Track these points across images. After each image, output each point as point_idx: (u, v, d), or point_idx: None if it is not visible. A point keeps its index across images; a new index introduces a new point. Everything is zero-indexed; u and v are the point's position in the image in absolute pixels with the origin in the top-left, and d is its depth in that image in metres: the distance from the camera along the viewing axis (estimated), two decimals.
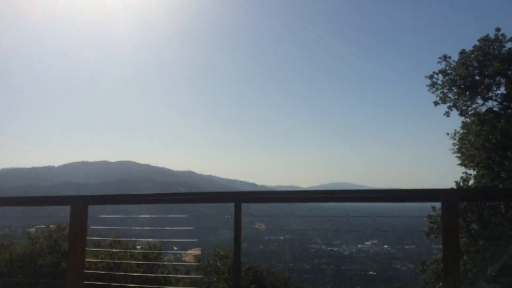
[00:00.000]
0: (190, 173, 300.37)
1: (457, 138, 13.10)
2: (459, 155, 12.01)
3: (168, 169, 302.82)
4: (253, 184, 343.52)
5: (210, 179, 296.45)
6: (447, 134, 13.28)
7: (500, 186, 11.22)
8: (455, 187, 11.65)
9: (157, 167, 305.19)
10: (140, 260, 14.72)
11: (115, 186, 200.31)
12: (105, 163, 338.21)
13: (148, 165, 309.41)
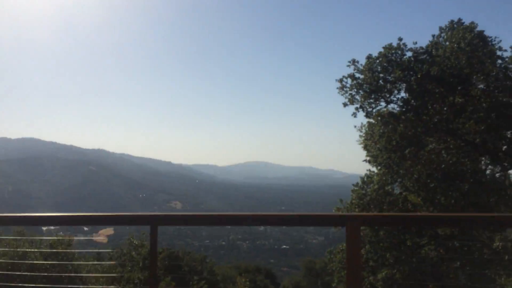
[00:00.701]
0: (100, 151, 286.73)
1: (363, 131, 14.19)
2: (365, 152, 13.12)
3: (76, 147, 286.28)
4: (169, 163, 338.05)
5: (122, 157, 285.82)
6: (355, 126, 14.32)
7: (399, 181, 12.48)
8: (360, 183, 12.75)
9: (64, 144, 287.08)
10: (48, 251, 13.90)
11: (17, 164, 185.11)
12: (5, 139, 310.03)
13: (54, 142, 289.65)
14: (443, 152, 12.42)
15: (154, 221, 3.62)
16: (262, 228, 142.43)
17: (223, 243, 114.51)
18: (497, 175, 12.04)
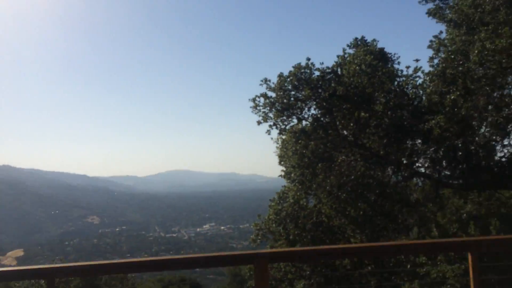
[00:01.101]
0: (6, 167, 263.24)
1: (279, 143, 14.58)
2: (281, 168, 13.56)
3: None
4: (84, 176, 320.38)
5: (31, 173, 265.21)
6: (272, 139, 14.65)
7: (313, 193, 13.00)
8: (277, 198, 13.12)
9: None
10: None
11: None
12: None
13: None
14: (352, 163, 13.16)
15: (50, 275, 3.35)
16: (186, 237, 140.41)
17: (146, 255, 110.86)
18: (400, 185, 13.01)
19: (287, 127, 12.93)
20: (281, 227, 12.52)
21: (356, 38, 14.96)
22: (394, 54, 14.74)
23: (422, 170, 13.20)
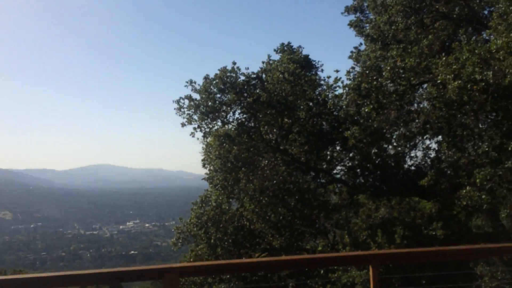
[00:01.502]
0: None
1: (204, 144, 14.48)
2: (205, 170, 13.52)
3: None
4: None
5: None
6: (198, 139, 14.48)
7: (236, 197, 13.10)
8: (199, 202, 13.09)
9: None
10: None
11: None
12: None
13: None
14: (276, 167, 13.45)
15: None
16: (108, 234, 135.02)
17: (63, 254, 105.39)
18: (319, 190, 13.53)
19: (212, 130, 12.92)
20: (202, 230, 12.49)
21: (283, 44, 15.32)
22: (318, 61, 15.36)
23: (339, 176, 13.83)
